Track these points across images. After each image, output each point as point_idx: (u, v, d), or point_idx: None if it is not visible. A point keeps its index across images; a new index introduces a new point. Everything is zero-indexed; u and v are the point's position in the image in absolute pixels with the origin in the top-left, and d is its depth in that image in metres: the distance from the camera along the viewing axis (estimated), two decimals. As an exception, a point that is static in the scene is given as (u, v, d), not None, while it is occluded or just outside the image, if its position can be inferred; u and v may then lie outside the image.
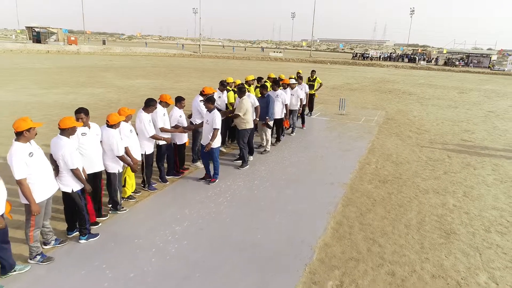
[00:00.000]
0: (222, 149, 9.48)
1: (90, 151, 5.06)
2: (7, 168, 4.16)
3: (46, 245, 4.70)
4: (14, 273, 4.21)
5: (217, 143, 7.07)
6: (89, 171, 5.04)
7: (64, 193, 4.72)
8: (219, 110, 8.68)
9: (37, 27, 58.64)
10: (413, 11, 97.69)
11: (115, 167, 5.56)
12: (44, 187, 4.29)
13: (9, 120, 11.57)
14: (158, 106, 6.58)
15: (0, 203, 3.84)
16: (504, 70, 53.38)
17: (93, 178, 5.19)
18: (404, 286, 4.35)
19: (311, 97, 13.82)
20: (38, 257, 4.43)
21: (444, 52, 70.17)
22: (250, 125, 8.13)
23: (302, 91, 11.49)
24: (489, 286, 4.43)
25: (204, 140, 7.14)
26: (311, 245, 5.13)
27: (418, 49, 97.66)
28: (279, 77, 11.54)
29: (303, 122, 12.36)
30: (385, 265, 4.77)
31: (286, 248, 5.05)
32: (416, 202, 6.78)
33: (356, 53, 78.81)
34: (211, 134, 6.90)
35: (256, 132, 9.45)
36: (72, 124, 4.60)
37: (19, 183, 4.04)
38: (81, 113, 5.11)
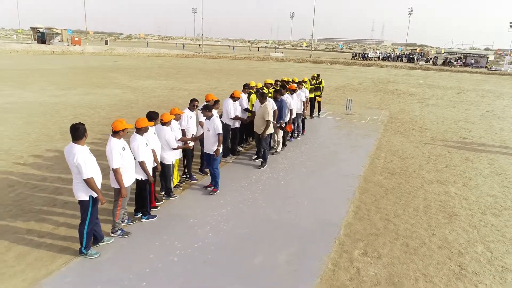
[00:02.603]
0: (245, 145, 10.49)
1: (154, 146, 6.04)
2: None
3: (122, 222, 5.69)
4: (103, 243, 5.22)
5: (220, 148, 7.10)
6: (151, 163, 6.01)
7: (137, 180, 5.71)
8: (246, 110, 9.64)
9: (42, 28, 59.47)
10: (411, 11, 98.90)
11: (170, 159, 6.57)
12: (130, 175, 5.29)
13: (43, 120, 12.62)
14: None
15: (99, 184, 4.81)
16: (501, 70, 54.58)
17: (153, 169, 6.17)
18: (416, 254, 5.38)
19: (317, 100, 14.82)
20: (119, 231, 5.44)
21: (442, 52, 71.36)
22: (271, 130, 8.80)
23: (302, 95, 11.41)
24: (485, 254, 5.47)
25: (206, 148, 7.16)
26: (337, 224, 6.16)
27: (416, 49, 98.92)
28: (292, 80, 12.52)
29: (303, 128, 12.06)
30: (399, 238, 5.80)
31: (317, 226, 6.08)
32: (422, 190, 7.82)
33: (356, 53, 79.85)
34: (216, 140, 6.94)
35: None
36: (145, 124, 5.56)
37: (115, 171, 5.02)
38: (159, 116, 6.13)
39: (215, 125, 6.92)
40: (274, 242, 5.52)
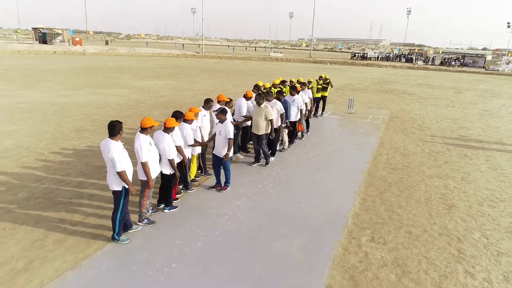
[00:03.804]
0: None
1: (180, 143, 6.50)
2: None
3: (147, 212, 6.15)
4: (132, 231, 5.68)
5: (230, 152, 7.24)
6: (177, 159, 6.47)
7: (164, 174, 6.17)
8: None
9: (43, 28, 59.84)
10: (410, 11, 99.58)
11: (188, 154, 7.02)
12: (155, 168, 5.75)
13: (56, 119, 13.06)
14: (217, 105, 8.09)
15: (130, 176, 5.27)
16: (498, 70, 55.19)
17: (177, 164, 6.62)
18: (419, 240, 5.87)
19: (324, 99, 15.31)
20: (146, 220, 5.91)
21: (440, 52, 71.96)
22: (268, 130, 8.79)
23: (306, 96, 11.73)
24: (481, 240, 5.96)
25: (216, 151, 7.33)
26: (345, 214, 6.64)
27: (414, 49, 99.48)
28: (297, 81, 12.97)
29: (307, 127, 12.44)
30: (403, 227, 6.29)
31: (326, 216, 6.55)
32: (423, 184, 8.31)
33: (355, 53, 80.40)
34: (227, 144, 7.12)
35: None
36: (174, 125, 6.02)
37: (144, 164, 5.47)
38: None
39: (227, 129, 7.08)
40: (288, 231, 5.99)
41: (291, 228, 6.09)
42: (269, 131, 8.75)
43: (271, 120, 8.63)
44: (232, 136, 7.13)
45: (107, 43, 75.43)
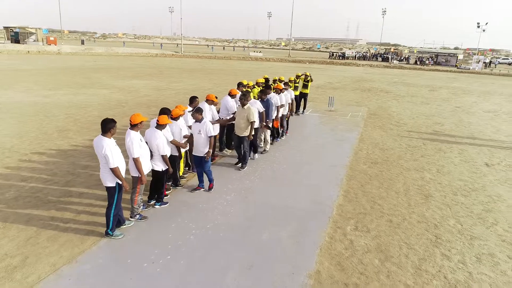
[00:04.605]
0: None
1: (170, 138, 6.66)
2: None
3: (139, 208, 6.27)
4: (124, 226, 5.80)
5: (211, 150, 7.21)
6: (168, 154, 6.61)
7: (155, 171, 6.30)
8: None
9: (15, 27, 58.06)
10: (385, 11, 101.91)
11: (177, 151, 7.18)
12: (146, 164, 5.89)
13: (37, 119, 12.90)
14: (205, 103, 8.27)
15: (123, 172, 5.39)
16: (469, 69, 57.34)
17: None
18: (399, 228, 6.25)
19: (305, 97, 15.68)
20: (138, 216, 6.04)
21: (415, 51, 74.04)
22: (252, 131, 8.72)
23: (289, 95, 11.76)
24: (456, 226, 6.40)
25: (196, 150, 7.20)
26: (330, 206, 6.96)
27: (390, 48, 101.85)
28: (279, 79, 13.28)
29: (286, 128, 12.11)
30: (384, 216, 6.66)
31: (312, 208, 6.86)
32: (402, 177, 8.75)
33: (333, 52, 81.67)
34: (208, 142, 7.04)
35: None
36: (166, 122, 6.18)
37: (135, 160, 5.60)
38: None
39: (207, 128, 6.97)
40: (277, 222, 6.25)
41: (279, 219, 6.35)
42: (248, 133, 8.52)
43: (252, 122, 8.41)
44: (213, 134, 7.09)
45: (83, 42, 73.86)
